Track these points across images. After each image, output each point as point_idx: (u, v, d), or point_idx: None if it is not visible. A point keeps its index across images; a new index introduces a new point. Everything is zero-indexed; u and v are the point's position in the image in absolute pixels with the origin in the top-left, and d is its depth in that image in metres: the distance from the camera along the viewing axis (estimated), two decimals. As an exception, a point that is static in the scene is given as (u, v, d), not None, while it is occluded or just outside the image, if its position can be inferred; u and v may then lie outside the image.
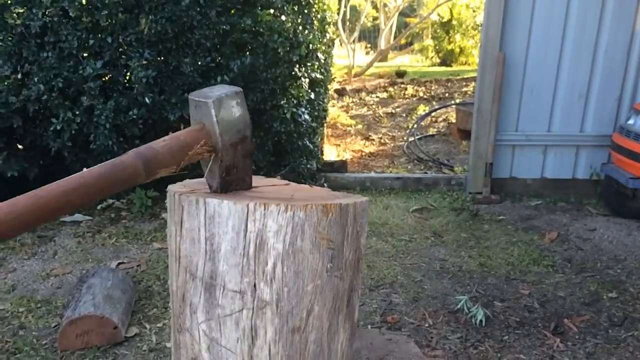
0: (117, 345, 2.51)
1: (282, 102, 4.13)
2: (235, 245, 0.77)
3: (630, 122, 3.98)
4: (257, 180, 0.96)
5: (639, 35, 4.38)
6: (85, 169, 0.77)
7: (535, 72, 4.49)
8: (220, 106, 0.81)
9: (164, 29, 3.65)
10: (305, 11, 4.24)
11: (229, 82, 3.69)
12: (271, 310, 0.77)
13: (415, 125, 7.21)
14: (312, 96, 4.44)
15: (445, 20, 14.48)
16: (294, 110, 4.12)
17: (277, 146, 4.36)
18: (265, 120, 4.11)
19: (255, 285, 0.77)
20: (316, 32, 4.35)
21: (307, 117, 4.28)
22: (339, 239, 0.79)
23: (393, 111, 8.71)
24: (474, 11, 14.37)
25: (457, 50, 14.62)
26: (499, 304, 2.97)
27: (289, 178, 4.47)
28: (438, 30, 14.89)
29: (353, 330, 0.85)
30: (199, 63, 3.78)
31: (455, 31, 14.35)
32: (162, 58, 3.77)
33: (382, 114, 8.46)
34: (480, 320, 2.78)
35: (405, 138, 6.83)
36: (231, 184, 0.86)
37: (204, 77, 3.79)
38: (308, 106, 4.38)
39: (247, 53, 3.90)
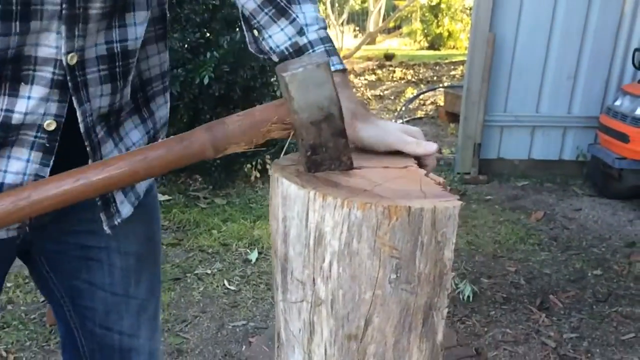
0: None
1: (272, 79, 4.10)
2: (299, 232, 0.72)
3: (617, 103, 4.02)
4: (381, 158, 0.86)
5: (627, 17, 4.40)
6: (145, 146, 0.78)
7: (524, 53, 4.50)
8: (295, 80, 0.72)
9: (152, 3, 3.58)
10: (296, -12, 4.19)
11: (218, 58, 3.66)
12: (326, 309, 0.72)
13: (403, 108, 7.22)
14: (302, 75, 4.43)
15: (434, 3, 14.43)
16: (284, 88, 4.08)
17: (266, 125, 4.32)
18: (255, 98, 4.08)
19: (314, 280, 0.72)
20: (306, 10, 4.30)
21: (296, 95, 4.25)
22: (407, 248, 0.69)
23: (381, 94, 8.70)
24: (463, -5, 14.34)
25: (446, 34, 14.59)
26: (486, 281, 3.01)
27: (278, 157, 4.45)
28: (427, 14, 14.84)
29: (435, 353, 0.76)
30: (188, 39, 3.73)
31: (444, 15, 14.31)
32: (150, 33, 3.71)
33: (370, 97, 8.45)
34: (468, 296, 2.81)
35: (393, 120, 6.84)
36: (322, 163, 0.78)
37: (193, 53, 3.75)
38: (298, 84, 4.34)
39: (237, 29, 3.86)
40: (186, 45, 3.73)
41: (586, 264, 3.21)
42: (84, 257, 1.01)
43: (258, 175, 4.35)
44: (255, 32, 0.95)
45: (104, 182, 0.73)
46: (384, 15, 15.72)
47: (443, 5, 14.25)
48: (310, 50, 0.90)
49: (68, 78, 0.79)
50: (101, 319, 1.06)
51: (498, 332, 2.56)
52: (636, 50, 4.18)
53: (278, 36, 0.91)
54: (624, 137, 3.84)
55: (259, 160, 4.31)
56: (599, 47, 4.46)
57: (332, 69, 0.87)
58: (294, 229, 0.73)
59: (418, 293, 0.71)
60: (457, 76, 9.75)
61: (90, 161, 0.85)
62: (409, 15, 16.49)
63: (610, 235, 3.61)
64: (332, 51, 0.90)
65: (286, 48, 0.90)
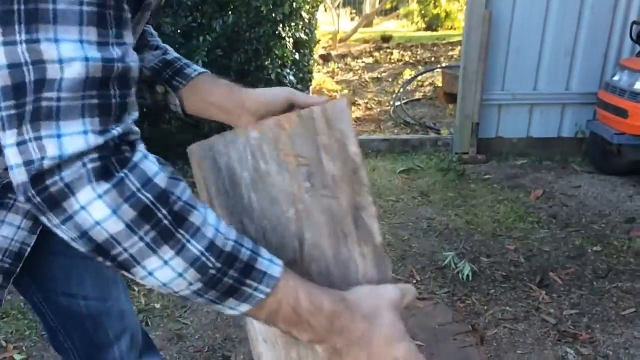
0: (105, 306, 2.50)
1: (266, 62, 4.06)
2: (218, 185, 0.73)
3: (616, 78, 3.98)
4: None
5: (626, -10, 4.35)
6: None
7: (521, 30, 4.44)
8: None
9: (143, -12, 3.54)
10: (288, -31, 4.14)
11: (212, 42, 3.62)
12: (263, 247, 0.70)
13: (401, 90, 7.16)
14: (297, 57, 4.38)
15: (430, -17, 14.27)
16: (279, 71, 4.04)
17: (263, 109, 4.30)
18: (249, 82, 4.04)
19: (242, 223, 0.71)
20: (300, -9, 4.25)
21: (292, 78, 4.22)
22: (311, 153, 0.69)
23: (379, 76, 8.64)
24: (459, -26, 14.17)
25: (443, 14, 14.45)
26: (485, 260, 3.00)
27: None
28: (423, -5, 14.68)
29: (377, 254, 0.72)
30: (180, 23, 3.68)
31: (441, -5, 14.17)
32: (141, 19, 3.67)
33: (368, 79, 8.39)
34: (467, 276, 2.80)
35: (391, 103, 6.79)
36: None
37: (185, 38, 3.70)
38: (293, 67, 4.31)
39: (230, 12, 3.81)
40: (178, 30, 3.69)
41: (586, 241, 3.19)
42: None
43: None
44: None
45: None
46: (381, -3, 15.56)
47: (440, -14, 14.10)
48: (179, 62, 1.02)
49: None
50: (63, 286, 1.06)
51: (498, 310, 2.56)
52: (634, 23, 4.13)
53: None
54: (623, 113, 3.80)
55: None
56: (596, 22, 4.40)
57: (196, 73, 0.99)
58: (212, 185, 0.73)
59: (338, 196, 0.70)
60: (455, 57, 9.67)
61: None
62: (406, -3, 16.33)
63: (610, 212, 3.59)
64: (190, 63, 1.03)
65: (156, 64, 1.02)
